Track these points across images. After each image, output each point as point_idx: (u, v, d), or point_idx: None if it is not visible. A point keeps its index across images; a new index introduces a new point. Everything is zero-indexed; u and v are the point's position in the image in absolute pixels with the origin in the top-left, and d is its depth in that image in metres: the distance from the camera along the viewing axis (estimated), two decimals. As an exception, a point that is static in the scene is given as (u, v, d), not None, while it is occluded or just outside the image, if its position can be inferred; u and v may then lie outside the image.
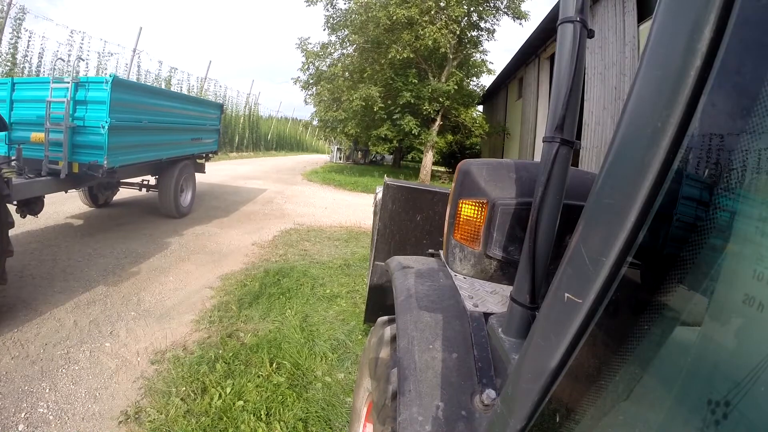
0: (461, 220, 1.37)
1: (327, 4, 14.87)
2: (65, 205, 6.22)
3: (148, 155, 5.43)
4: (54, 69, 5.00)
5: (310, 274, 4.23)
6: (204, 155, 7.76)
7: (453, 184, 1.43)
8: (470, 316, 1.13)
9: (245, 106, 24.20)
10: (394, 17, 12.46)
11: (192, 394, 2.30)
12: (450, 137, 20.47)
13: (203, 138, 7.30)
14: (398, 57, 12.97)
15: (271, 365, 2.60)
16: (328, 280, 4.16)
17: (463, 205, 1.36)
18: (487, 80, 19.40)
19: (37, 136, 4.34)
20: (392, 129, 14.33)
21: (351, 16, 13.95)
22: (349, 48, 15.67)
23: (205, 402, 2.23)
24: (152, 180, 6.41)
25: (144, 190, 6.45)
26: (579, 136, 9.59)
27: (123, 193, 7.61)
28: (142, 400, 2.28)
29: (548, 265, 0.99)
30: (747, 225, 0.40)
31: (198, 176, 7.32)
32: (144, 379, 2.45)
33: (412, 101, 13.66)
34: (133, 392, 2.34)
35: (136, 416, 2.14)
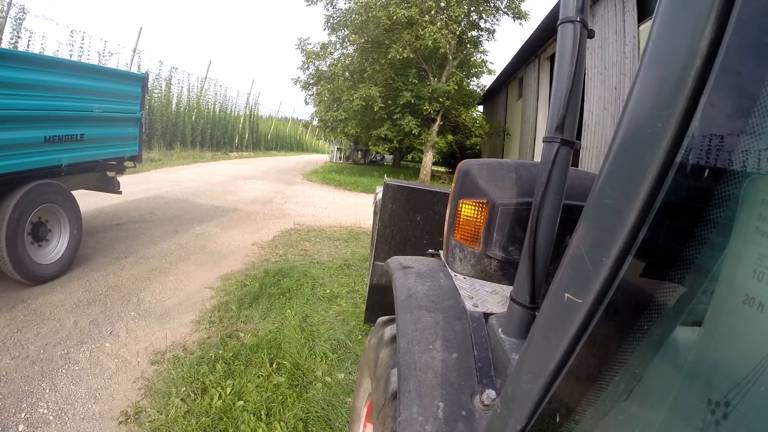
0: (461, 220, 1.37)
1: (327, 4, 14.88)
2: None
3: None
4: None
5: (310, 274, 4.23)
6: (115, 163, 4.82)
7: (453, 184, 1.43)
8: (470, 316, 1.13)
9: (245, 106, 24.22)
10: (394, 17, 12.46)
11: (192, 395, 2.30)
12: (450, 137, 20.46)
13: (92, 135, 4.12)
14: (398, 57, 12.96)
15: (271, 365, 2.60)
16: (328, 280, 4.16)
17: (463, 205, 1.36)
18: (487, 80, 19.42)
19: None
20: (392, 129, 14.33)
21: (351, 16, 13.96)
22: (349, 48, 15.68)
23: (205, 402, 2.23)
24: None
25: None
26: (579, 137, 9.59)
27: (122, 196, 7.61)
28: (142, 400, 2.28)
29: (548, 265, 0.99)
30: (747, 225, 0.40)
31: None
32: (144, 380, 2.45)
33: (412, 101, 13.65)
34: (133, 392, 2.34)
35: (136, 416, 2.14)
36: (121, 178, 5.14)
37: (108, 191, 4.97)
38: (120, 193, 5.12)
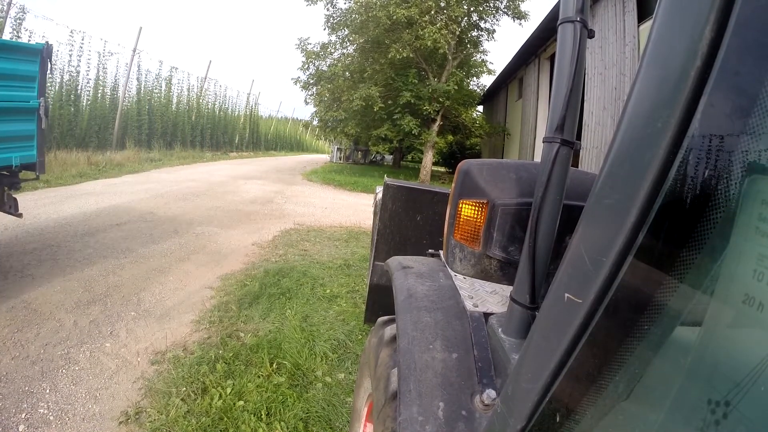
0: (461, 220, 1.37)
1: (327, 4, 14.90)
2: (65, 205, 6.23)
3: None
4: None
5: (310, 274, 4.23)
6: (8, 174, 3.48)
7: (453, 184, 1.43)
8: (470, 316, 1.13)
9: (245, 106, 24.26)
10: (394, 17, 12.47)
11: (192, 395, 2.30)
12: (450, 137, 20.48)
13: None
14: (398, 57, 12.97)
15: (271, 365, 2.60)
16: (328, 280, 4.16)
17: (463, 205, 1.36)
18: (487, 80, 19.44)
19: None
20: (392, 129, 14.34)
21: (351, 16, 13.97)
22: (349, 48, 15.70)
23: (205, 402, 2.23)
24: None
25: None
26: (579, 137, 9.58)
27: (122, 196, 7.63)
28: (142, 400, 2.28)
29: (548, 265, 0.99)
30: (747, 225, 0.40)
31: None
32: (144, 380, 2.45)
33: (412, 101, 13.67)
34: (134, 393, 2.34)
35: (137, 417, 2.14)
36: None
37: (5, 212, 3.53)
38: (20, 215, 3.65)
